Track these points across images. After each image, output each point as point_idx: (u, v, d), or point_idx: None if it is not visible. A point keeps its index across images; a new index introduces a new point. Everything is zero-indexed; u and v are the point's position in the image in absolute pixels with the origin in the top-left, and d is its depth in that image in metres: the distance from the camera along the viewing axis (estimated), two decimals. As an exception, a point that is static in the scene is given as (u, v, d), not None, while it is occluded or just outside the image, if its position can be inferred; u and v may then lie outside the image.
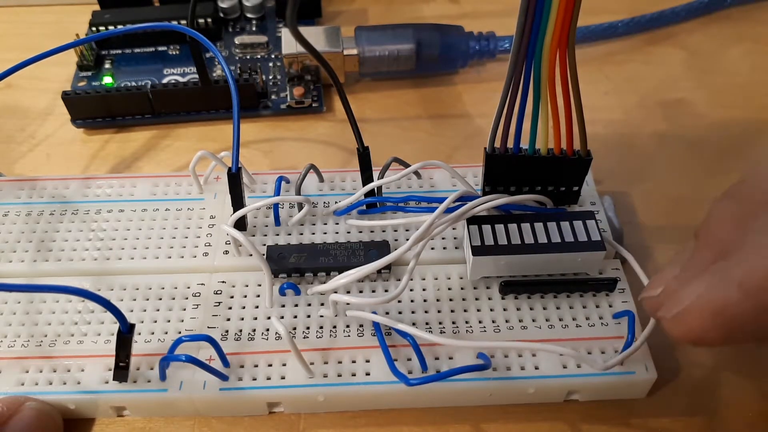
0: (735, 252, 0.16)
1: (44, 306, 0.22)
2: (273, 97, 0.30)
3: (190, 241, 0.23)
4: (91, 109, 0.29)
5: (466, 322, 0.21)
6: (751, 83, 0.31)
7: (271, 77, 0.31)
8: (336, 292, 0.21)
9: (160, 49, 0.32)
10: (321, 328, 0.21)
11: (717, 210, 0.17)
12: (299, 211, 0.23)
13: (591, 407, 0.21)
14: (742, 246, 0.16)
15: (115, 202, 0.24)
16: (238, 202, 0.22)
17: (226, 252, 0.23)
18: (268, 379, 0.20)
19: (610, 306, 0.21)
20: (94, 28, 0.32)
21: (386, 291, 0.22)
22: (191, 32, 0.23)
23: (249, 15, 0.34)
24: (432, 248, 0.23)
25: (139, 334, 0.21)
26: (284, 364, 0.20)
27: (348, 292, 0.22)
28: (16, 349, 0.21)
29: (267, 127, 0.30)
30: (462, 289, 0.22)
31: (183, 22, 0.31)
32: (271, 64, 0.32)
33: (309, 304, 0.22)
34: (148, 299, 0.22)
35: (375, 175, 0.24)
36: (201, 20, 0.32)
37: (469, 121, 0.30)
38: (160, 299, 0.22)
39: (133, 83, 0.31)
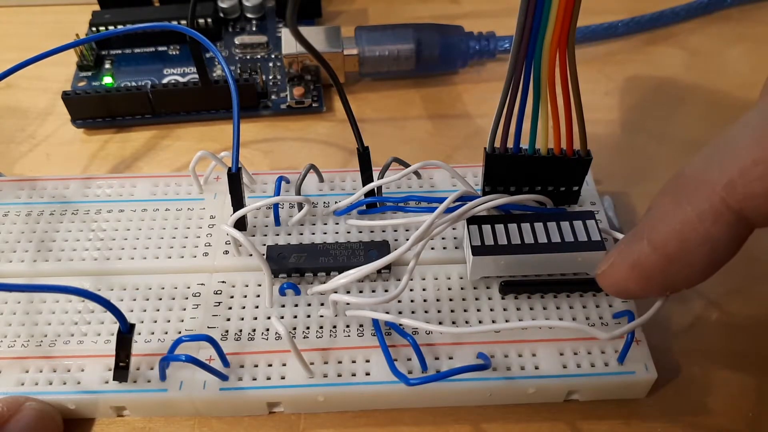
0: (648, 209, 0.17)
1: (44, 306, 0.22)
2: (273, 97, 0.30)
3: (190, 241, 0.23)
4: (91, 109, 0.29)
5: (466, 322, 0.21)
6: (751, 83, 0.31)
7: (271, 77, 0.31)
8: (336, 292, 0.21)
9: (160, 49, 0.32)
10: (321, 328, 0.21)
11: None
12: (299, 211, 0.23)
13: (591, 407, 0.21)
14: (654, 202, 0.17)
15: (115, 202, 0.24)
16: (238, 202, 0.22)
17: (226, 252, 0.23)
18: (268, 379, 0.20)
19: (610, 306, 0.21)
20: (94, 28, 0.32)
21: (386, 291, 0.22)
22: (191, 32, 0.23)
23: (249, 15, 0.34)
24: (432, 248, 0.23)
25: (139, 334, 0.21)
26: (284, 364, 0.20)
27: (348, 292, 0.22)
28: (16, 349, 0.21)
29: (267, 127, 0.30)
30: (462, 289, 0.22)
31: (183, 22, 0.31)
32: (271, 64, 0.32)
33: (309, 304, 0.22)
34: (148, 299, 0.22)
35: (375, 175, 0.24)
36: (201, 20, 0.32)
37: (469, 121, 0.30)
38: (160, 299, 0.22)
39: (133, 83, 0.31)
